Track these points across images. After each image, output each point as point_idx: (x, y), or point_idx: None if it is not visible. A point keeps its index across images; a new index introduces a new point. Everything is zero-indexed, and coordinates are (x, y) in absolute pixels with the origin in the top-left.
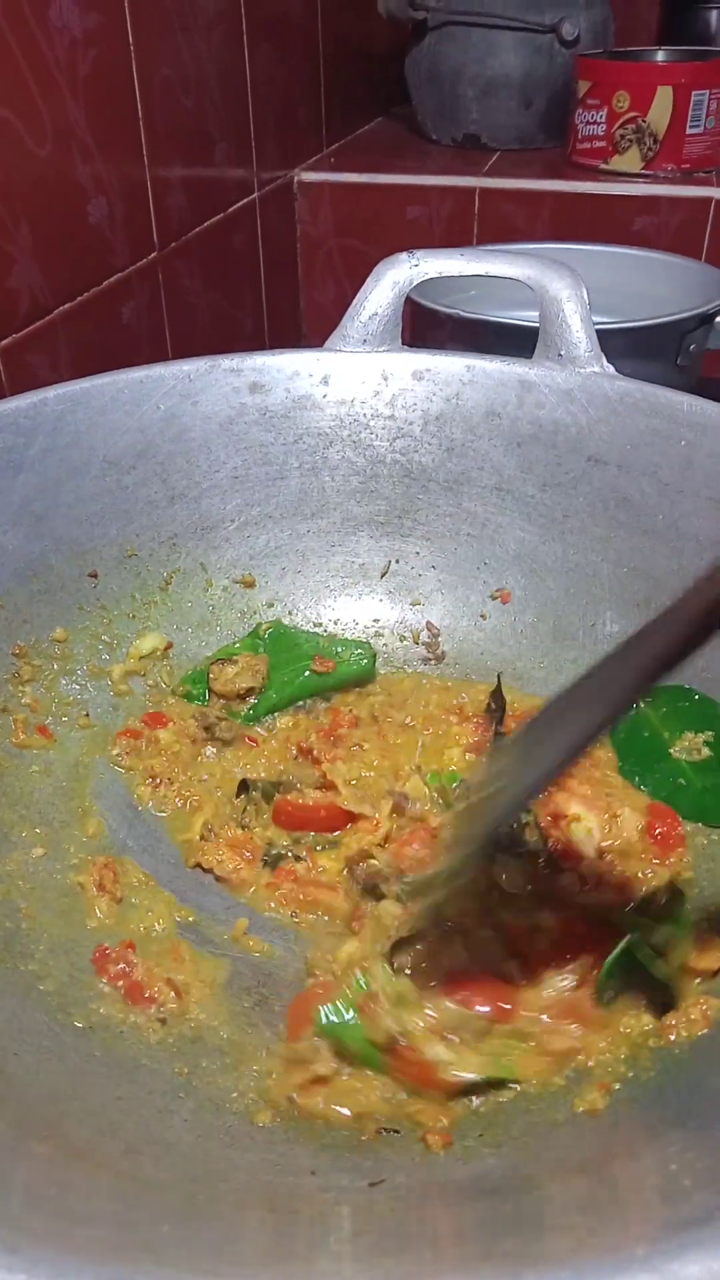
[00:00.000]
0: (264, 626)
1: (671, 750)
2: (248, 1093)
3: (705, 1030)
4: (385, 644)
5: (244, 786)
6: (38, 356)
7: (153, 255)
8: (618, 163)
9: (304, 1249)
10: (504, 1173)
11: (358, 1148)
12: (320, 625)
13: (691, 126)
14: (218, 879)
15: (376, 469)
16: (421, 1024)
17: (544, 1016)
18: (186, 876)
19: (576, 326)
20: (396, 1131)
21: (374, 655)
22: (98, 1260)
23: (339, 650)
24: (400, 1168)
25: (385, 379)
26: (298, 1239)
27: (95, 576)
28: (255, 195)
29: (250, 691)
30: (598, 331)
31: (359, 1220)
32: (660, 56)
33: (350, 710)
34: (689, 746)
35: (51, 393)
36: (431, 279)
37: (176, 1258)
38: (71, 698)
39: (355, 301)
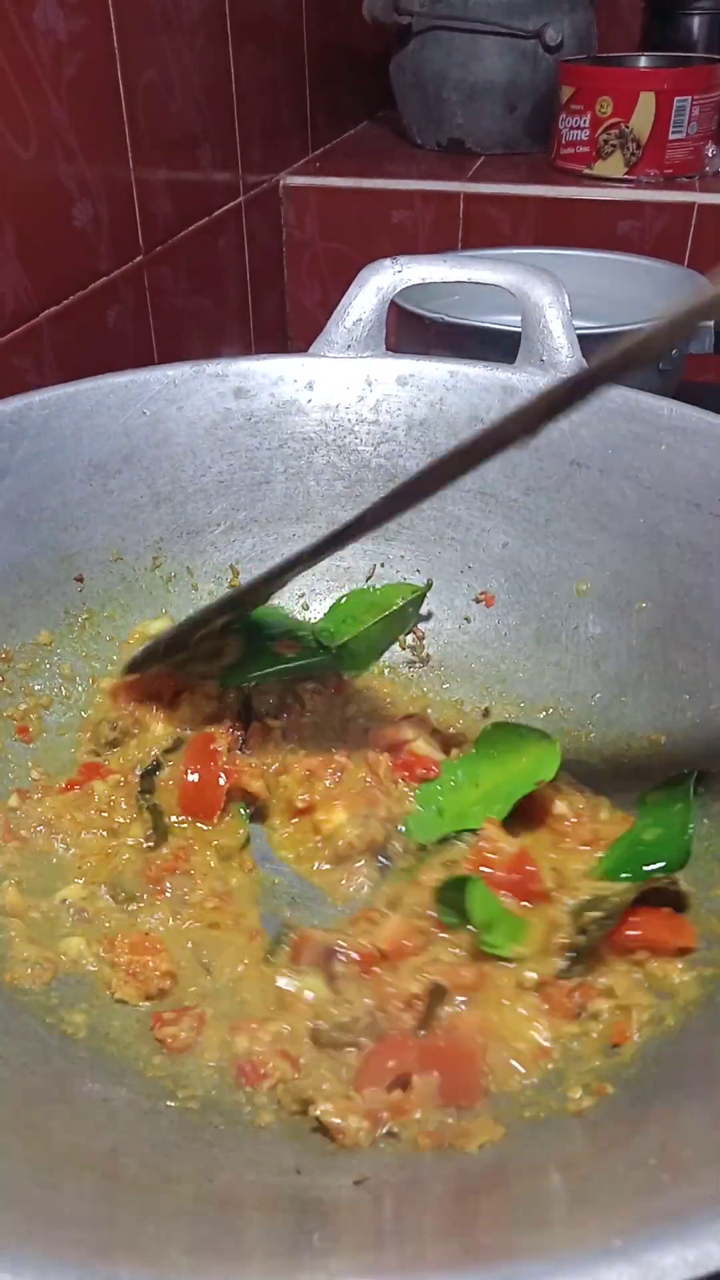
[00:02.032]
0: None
1: None
2: (234, 1094)
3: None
4: None
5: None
6: (23, 360)
7: (138, 259)
8: (601, 168)
9: (289, 1247)
10: (486, 1170)
11: (342, 1147)
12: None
13: (674, 132)
14: None
15: (361, 473)
16: None
17: None
18: None
19: (558, 332)
20: (395, 1135)
21: (334, 650)
22: (82, 1260)
23: (307, 635)
24: (384, 1165)
25: (369, 384)
26: (283, 1237)
27: (81, 580)
28: (240, 199)
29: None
30: (580, 336)
31: (344, 1218)
32: (643, 62)
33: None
34: None
35: (37, 397)
36: (415, 284)
37: (161, 1256)
38: (57, 701)
39: (340, 307)
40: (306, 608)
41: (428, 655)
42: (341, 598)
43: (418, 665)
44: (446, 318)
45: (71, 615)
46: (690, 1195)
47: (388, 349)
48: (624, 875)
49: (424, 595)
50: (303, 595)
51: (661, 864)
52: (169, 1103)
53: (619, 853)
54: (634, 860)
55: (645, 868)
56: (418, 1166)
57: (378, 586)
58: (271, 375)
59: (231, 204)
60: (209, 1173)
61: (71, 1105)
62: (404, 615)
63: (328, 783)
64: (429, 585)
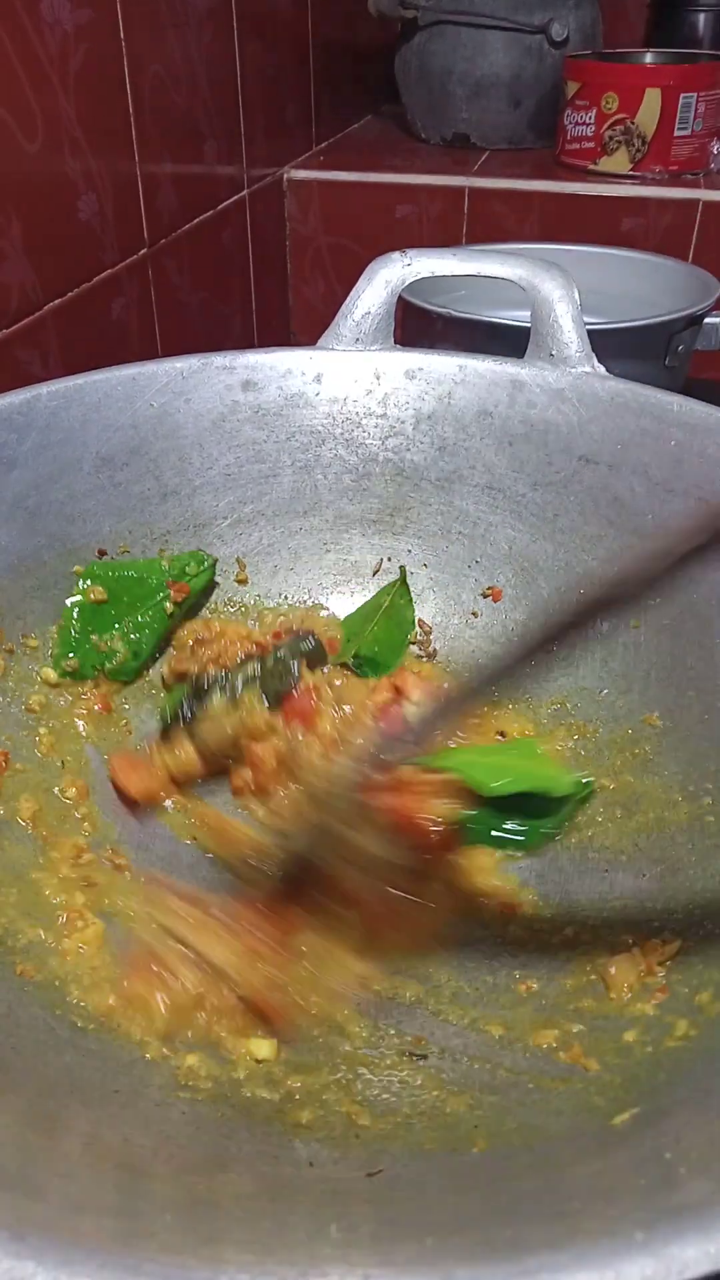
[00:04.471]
0: (85, 583)
1: None
2: (243, 1087)
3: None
4: None
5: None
6: (28, 352)
7: (143, 252)
8: (606, 164)
9: (306, 1237)
10: (500, 1164)
11: (354, 1141)
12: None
13: (679, 129)
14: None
15: (369, 467)
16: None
17: None
18: (181, 871)
19: (568, 327)
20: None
21: (214, 560)
22: (105, 1248)
23: (186, 569)
24: (397, 1158)
25: (378, 378)
26: (299, 1227)
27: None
28: (245, 192)
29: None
30: (588, 332)
31: (359, 1209)
32: (649, 59)
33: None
34: None
35: (45, 389)
36: (422, 278)
37: (182, 1245)
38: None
39: (348, 300)
40: (321, 608)
41: (434, 650)
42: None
43: (424, 660)
44: (454, 312)
45: None
46: (709, 1188)
47: (395, 343)
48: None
49: (403, 581)
50: (310, 592)
51: None
52: (179, 1094)
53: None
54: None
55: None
56: (429, 1160)
57: (361, 606)
58: (279, 368)
59: (236, 197)
60: (222, 1164)
61: (83, 1096)
62: (396, 608)
63: None
64: (402, 572)
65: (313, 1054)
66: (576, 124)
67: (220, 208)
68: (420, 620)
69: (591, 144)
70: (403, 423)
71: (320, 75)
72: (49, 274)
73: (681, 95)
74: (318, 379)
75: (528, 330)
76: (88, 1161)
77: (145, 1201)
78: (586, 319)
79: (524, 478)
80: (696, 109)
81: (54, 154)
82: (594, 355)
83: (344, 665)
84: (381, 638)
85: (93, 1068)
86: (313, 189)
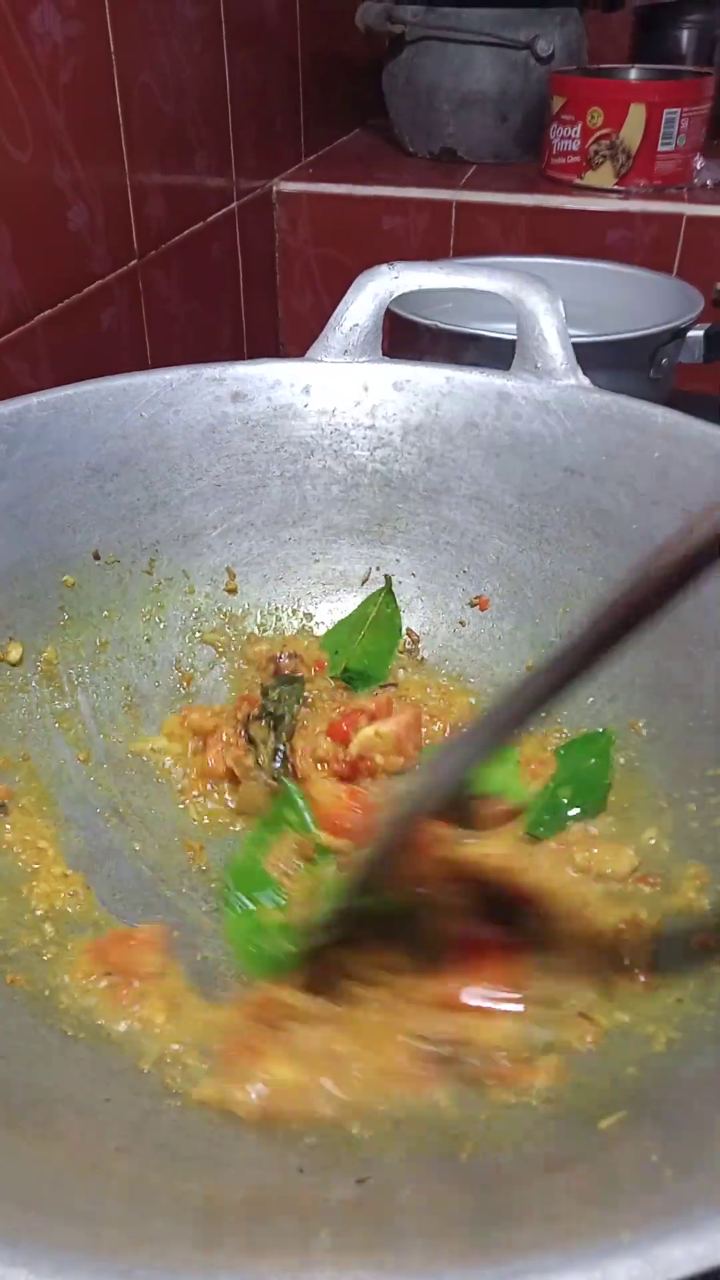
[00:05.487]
0: None
1: None
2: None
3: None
4: None
5: None
6: (17, 362)
7: (133, 263)
8: (591, 178)
9: (297, 1242)
10: (488, 1169)
11: (344, 1148)
12: (308, 630)
13: (663, 144)
14: None
15: (357, 478)
16: None
17: None
18: (174, 880)
19: (553, 340)
20: None
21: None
22: (98, 1254)
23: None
24: (386, 1165)
25: (366, 389)
26: (291, 1233)
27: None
28: (234, 204)
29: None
30: (573, 345)
31: (350, 1215)
32: (633, 74)
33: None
34: None
35: (35, 399)
36: (409, 291)
37: (174, 1252)
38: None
39: (336, 312)
40: (310, 617)
41: (422, 659)
42: (324, 639)
43: (411, 670)
44: (441, 324)
45: (69, 617)
46: (694, 1190)
47: (382, 355)
48: (541, 829)
49: (389, 590)
50: (299, 602)
51: (578, 809)
52: (170, 1102)
53: (538, 807)
54: (554, 811)
55: (568, 814)
56: (417, 1166)
57: (345, 618)
58: (269, 379)
59: (225, 209)
60: (213, 1171)
61: (74, 1105)
62: (384, 618)
63: None
64: (388, 580)
65: None
66: (562, 139)
67: (210, 219)
68: (409, 630)
69: (577, 158)
70: (391, 434)
71: (309, 88)
72: (39, 284)
73: (665, 111)
74: (306, 390)
75: (514, 343)
76: (79, 1169)
77: (138, 1208)
78: (571, 332)
79: (510, 489)
80: (680, 124)
81: (44, 164)
82: (579, 368)
83: (335, 680)
84: (370, 649)
85: (83, 1076)
86: (302, 201)
